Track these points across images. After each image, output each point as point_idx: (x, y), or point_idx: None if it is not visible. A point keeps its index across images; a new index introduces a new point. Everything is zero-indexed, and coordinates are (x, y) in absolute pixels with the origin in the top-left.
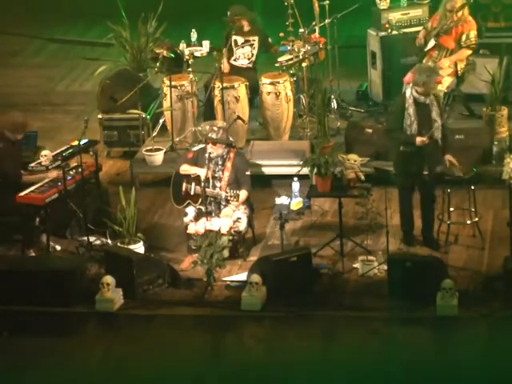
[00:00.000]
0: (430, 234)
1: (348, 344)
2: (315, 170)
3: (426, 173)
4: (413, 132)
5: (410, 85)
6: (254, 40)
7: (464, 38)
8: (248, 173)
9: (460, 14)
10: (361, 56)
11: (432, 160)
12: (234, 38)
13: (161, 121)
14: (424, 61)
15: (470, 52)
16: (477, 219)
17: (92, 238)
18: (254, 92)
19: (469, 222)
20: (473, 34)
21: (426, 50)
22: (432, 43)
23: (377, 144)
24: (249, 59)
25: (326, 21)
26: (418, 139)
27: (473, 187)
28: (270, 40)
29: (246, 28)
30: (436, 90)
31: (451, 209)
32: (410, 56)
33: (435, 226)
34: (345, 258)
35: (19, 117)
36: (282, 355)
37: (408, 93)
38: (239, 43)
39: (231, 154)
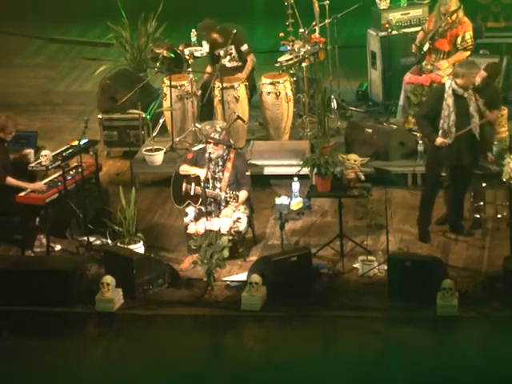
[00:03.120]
0: (459, 221)
1: (348, 344)
2: (315, 169)
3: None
4: (450, 123)
5: (451, 76)
6: (230, 49)
7: (459, 40)
8: (248, 173)
9: (454, 16)
10: (361, 56)
11: (468, 154)
12: (216, 52)
13: (161, 121)
14: (423, 63)
15: (467, 53)
16: (505, 214)
17: (92, 238)
18: (251, 91)
19: (499, 216)
20: (468, 35)
21: (423, 51)
22: (426, 46)
23: (377, 144)
24: (237, 61)
25: (326, 21)
26: (439, 140)
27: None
28: (243, 48)
29: (220, 40)
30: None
31: (481, 203)
32: (409, 56)
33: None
34: (345, 258)
35: (5, 118)
36: (282, 355)
37: (448, 84)
38: (222, 55)
39: (231, 155)
